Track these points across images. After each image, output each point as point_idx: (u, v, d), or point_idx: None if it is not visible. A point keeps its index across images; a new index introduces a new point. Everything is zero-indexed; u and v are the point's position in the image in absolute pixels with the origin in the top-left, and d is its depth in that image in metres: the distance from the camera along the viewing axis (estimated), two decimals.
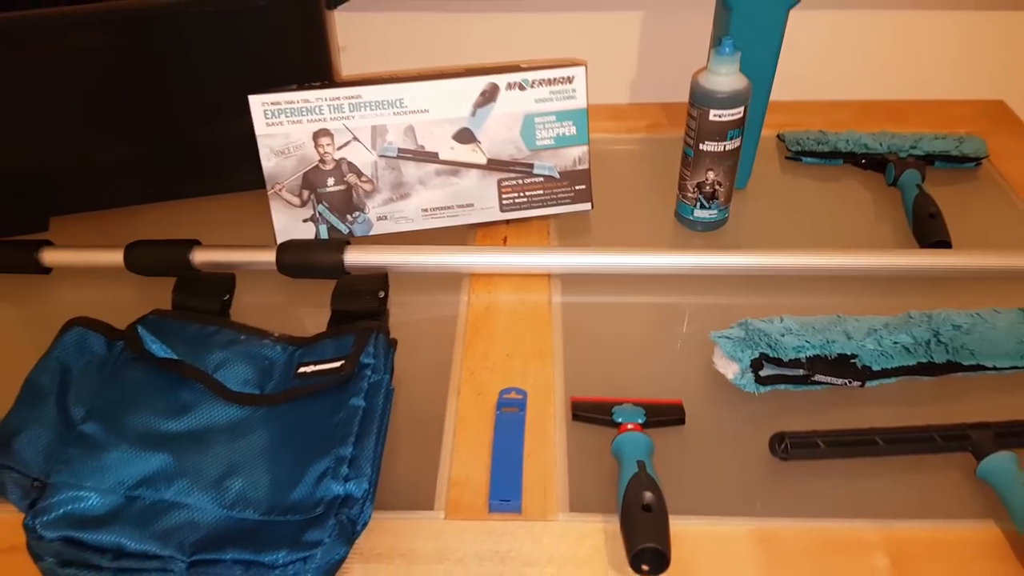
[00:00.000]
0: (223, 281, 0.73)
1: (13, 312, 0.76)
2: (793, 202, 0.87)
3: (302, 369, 0.63)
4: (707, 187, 0.78)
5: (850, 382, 0.65)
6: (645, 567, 0.51)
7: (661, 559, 0.51)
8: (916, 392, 0.66)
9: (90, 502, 0.52)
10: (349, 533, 0.53)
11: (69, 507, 0.51)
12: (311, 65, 0.78)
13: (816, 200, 0.88)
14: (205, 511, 0.53)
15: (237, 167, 0.82)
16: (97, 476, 0.53)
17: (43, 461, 0.54)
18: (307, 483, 0.54)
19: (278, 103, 0.73)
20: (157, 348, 0.61)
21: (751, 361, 0.64)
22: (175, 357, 0.61)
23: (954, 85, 1.08)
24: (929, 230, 0.79)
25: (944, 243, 0.78)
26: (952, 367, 0.66)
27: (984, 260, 0.75)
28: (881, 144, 0.91)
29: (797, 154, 0.93)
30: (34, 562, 0.52)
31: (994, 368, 0.66)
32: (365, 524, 0.55)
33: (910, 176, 0.86)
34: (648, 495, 0.53)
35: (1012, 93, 1.07)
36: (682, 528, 0.55)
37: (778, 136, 0.96)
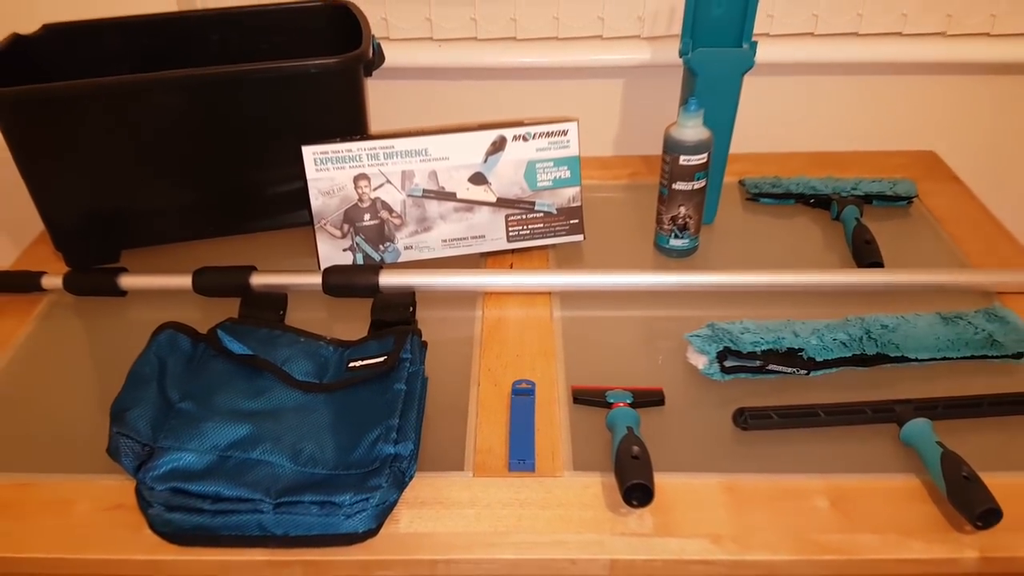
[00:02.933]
0: (278, 299, 0.87)
1: (94, 328, 0.89)
2: (753, 235, 1.03)
3: (352, 364, 0.76)
4: (680, 220, 0.94)
5: (798, 371, 0.80)
6: (634, 502, 0.65)
7: (647, 494, 0.64)
8: (853, 380, 0.80)
9: (191, 460, 0.65)
10: (400, 482, 0.66)
11: (175, 464, 0.64)
12: (351, 121, 0.94)
13: (772, 233, 1.04)
14: (284, 467, 0.66)
15: (281, 208, 0.98)
16: (196, 441, 0.66)
17: (150, 431, 0.67)
18: (364, 446, 0.67)
19: (326, 152, 0.89)
20: (235, 346, 0.75)
21: (717, 353, 0.78)
22: (250, 353, 0.75)
23: (891, 138, 1.26)
24: (865, 254, 0.95)
25: (878, 264, 0.94)
26: (881, 359, 0.81)
27: (908, 277, 0.91)
28: (826, 187, 1.08)
29: (756, 195, 1.09)
30: (143, 511, 0.65)
31: (916, 360, 0.81)
32: (411, 477, 0.68)
33: (850, 211, 1.02)
34: (636, 448, 0.67)
35: (941, 144, 1.25)
36: (664, 481, 0.68)
37: (740, 182, 1.13)
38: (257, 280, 0.89)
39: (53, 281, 0.90)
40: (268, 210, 1.00)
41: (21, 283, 0.90)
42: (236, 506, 0.63)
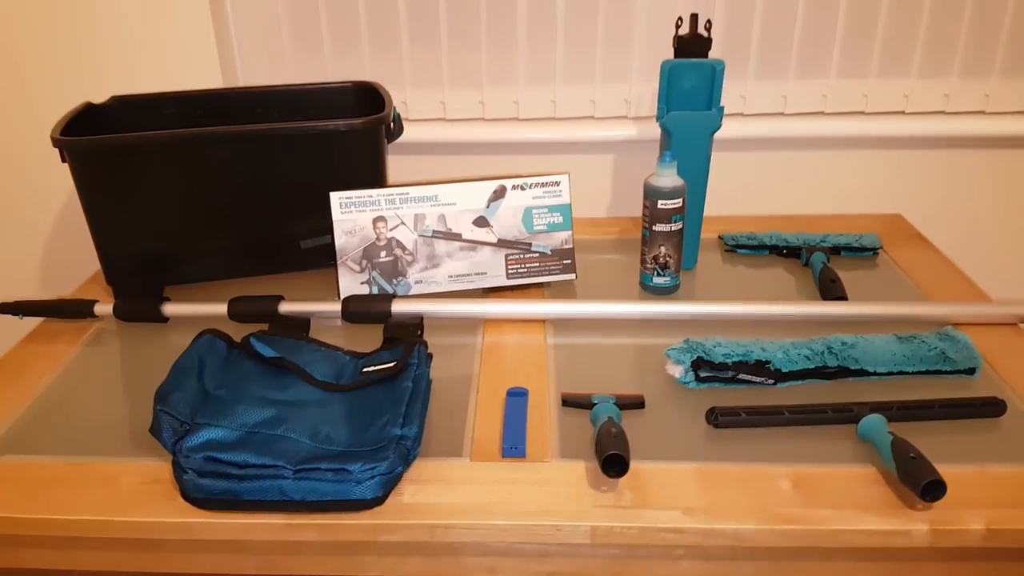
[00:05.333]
0: (302, 322, 0.99)
1: (138, 349, 1.00)
2: (730, 279, 1.14)
3: (366, 370, 0.86)
4: (661, 259, 1.05)
5: (766, 380, 0.88)
6: (612, 473, 0.72)
7: (623, 466, 0.72)
8: (817, 392, 0.88)
9: (224, 434, 0.74)
10: (405, 457, 0.74)
11: (209, 436, 0.73)
12: (372, 177, 1.08)
13: (748, 277, 1.14)
14: (304, 443, 0.74)
15: (308, 254, 1.10)
16: (228, 419, 0.76)
17: (189, 411, 0.77)
18: (375, 429, 0.76)
19: (350, 198, 1.02)
20: (265, 350, 0.85)
21: (691, 363, 0.87)
22: (277, 355, 0.85)
23: (858, 206, 1.38)
24: (830, 290, 1.05)
25: (842, 298, 1.04)
26: (843, 372, 0.89)
27: (869, 308, 1.00)
28: (798, 239, 1.19)
29: (733, 247, 1.21)
30: (178, 478, 0.73)
31: (875, 373, 0.90)
32: (415, 457, 0.77)
33: (818, 257, 1.13)
34: (614, 429, 0.75)
35: (907, 208, 1.38)
36: (641, 466, 0.76)
37: (719, 236, 1.24)
38: (284, 308, 1.00)
39: (104, 308, 1.02)
40: (297, 255, 1.12)
41: (76, 309, 1.02)
42: (261, 472, 0.71)
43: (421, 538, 0.72)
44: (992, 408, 0.84)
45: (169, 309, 1.02)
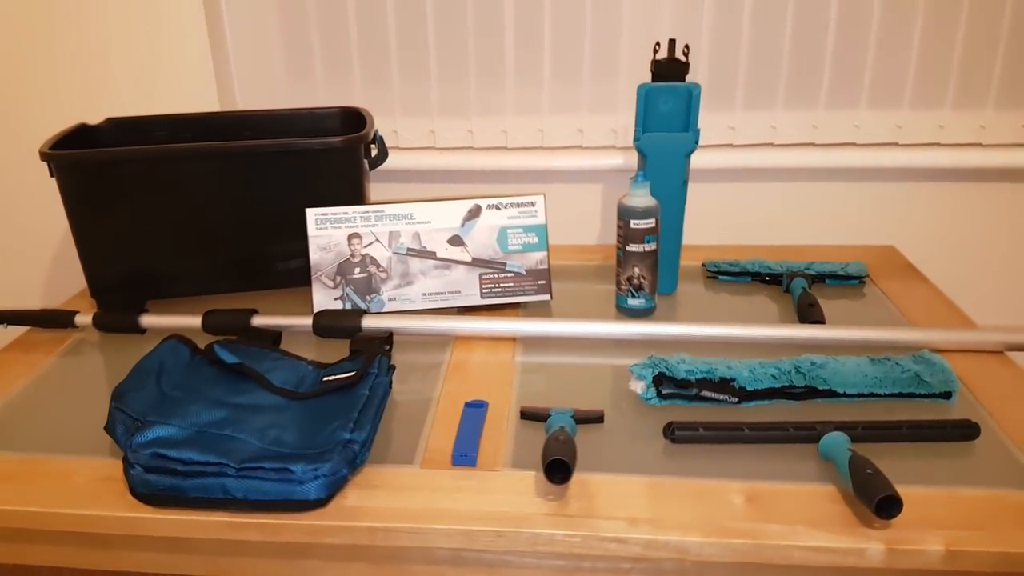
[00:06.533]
0: (273, 334, 0.99)
1: (115, 359, 1.01)
2: (711, 305, 1.13)
3: (326, 379, 0.87)
4: (635, 280, 1.04)
5: (729, 398, 0.87)
6: (556, 479, 0.71)
7: (567, 471, 0.71)
8: (784, 413, 0.86)
9: (174, 432, 0.75)
10: (351, 460, 0.74)
11: (159, 433, 0.74)
12: (351, 195, 1.09)
13: (729, 304, 1.13)
14: (251, 443, 0.75)
15: (287, 272, 1.12)
16: (179, 417, 0.76)
17: (144, 410, 0.78)
18: (325, 433, 0.76)
19: (326, 214, 1.04)
20: (227, 357, 0.86)
21: (653, 378, 0.86)
22: (238, 362, 0.86)
23: (856, 235, 1.37)
24: (808, 314, 1.04)
25: (819, 322, 1.02)
26: (811, 392, 0.87)
27: (845, 333, 0.98)
28: (780, 266, 1.18)
29: (715, 273, 1.20)
30: (126, 471, 0.74)
31: (844, 395, 0.87)
32: (363, 462, 0.76)
33: (798, 282, 1.12)
34: (563, 436, 0.74)
35: (901, 241, 1.36)
36: (591, 477, 0.75)
37: (703, 264, 1.24)
38: (257, 321, 1.01)
39: (84, 319, 1.04)
40: (277, 272, 1.14)
41: (57, 319, 1.04)
42: (205, 468, 0.71)
43: (361, 541, 0.71)
44: (964, 431, 0.81)
45: (146, 321, 1.04)
